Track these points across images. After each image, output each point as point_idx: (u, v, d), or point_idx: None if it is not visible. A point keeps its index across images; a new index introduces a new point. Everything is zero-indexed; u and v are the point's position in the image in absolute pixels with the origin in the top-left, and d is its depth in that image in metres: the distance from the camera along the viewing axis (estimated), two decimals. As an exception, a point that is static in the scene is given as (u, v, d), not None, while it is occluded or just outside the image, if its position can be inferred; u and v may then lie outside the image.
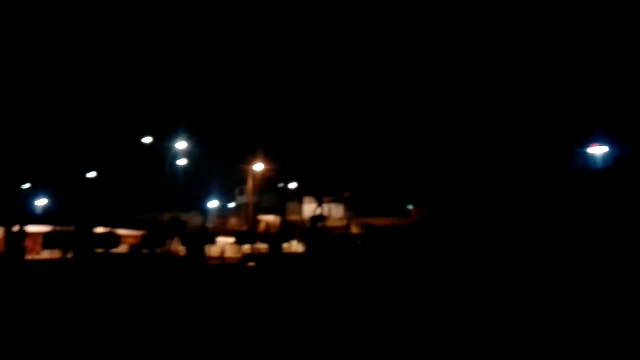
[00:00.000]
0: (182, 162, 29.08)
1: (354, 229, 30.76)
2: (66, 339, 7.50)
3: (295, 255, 28.14)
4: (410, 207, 33.60)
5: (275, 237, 30.35)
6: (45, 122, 24.51)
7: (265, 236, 30.38)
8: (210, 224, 30.96)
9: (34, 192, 24.25)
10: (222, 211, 33.28)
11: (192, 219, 29.56)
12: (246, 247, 29.18)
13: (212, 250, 27.73)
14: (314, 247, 28.08)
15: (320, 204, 32.19)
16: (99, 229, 23.55)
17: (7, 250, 20.75)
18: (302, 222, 32.62)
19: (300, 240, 30.33)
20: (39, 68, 24.66)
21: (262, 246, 29.11)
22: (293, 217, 33.31)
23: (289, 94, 33.57)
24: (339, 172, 33.62)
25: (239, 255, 27.52)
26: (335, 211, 33.53)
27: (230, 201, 33.46)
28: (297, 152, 33.77)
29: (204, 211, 30.15)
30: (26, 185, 24.40)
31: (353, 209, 33.39)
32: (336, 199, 33.79)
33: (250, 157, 31.42)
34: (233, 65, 31.24)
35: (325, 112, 34.13)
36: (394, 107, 34.95)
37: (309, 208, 33.13)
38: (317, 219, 29.78)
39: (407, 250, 24.13)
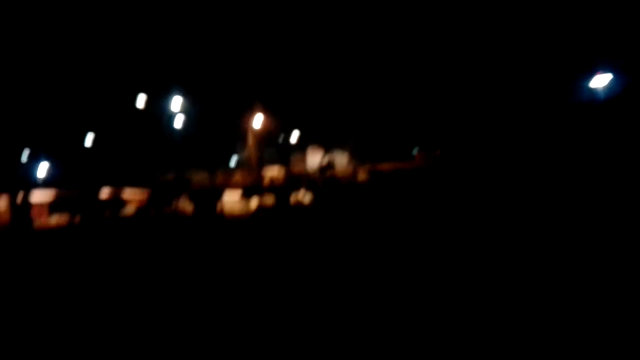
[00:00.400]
0: (181, 119, 28.64)
1: (361, 176, 30.47)
2: (83, 313, 7.42)
3: (303, 206, 28.04)
4: (415, 150, 33.23)
5: (282, 189, 30.16)
6: (40, 84, 23.86)
7: (272, 189, 30.17)
8: (215, 180, 30.72)
9: (35, 158, 23.91)
10: (226, 167, 32.98)
11: (197, 176, 29.32)
12: (253, 202, 29.07)
13: (219, 207, 27.62)
14: (322, 197, 27.95)
15: (326, 152, 31.84)
16: (104, 192, 23.41)
17: (13, 219, 20.68)
18: (308, 172, 32.34)
19: (307, 191, 30.12)
20: (35, 26, 23.83)
21: (269, 199, 28.96)
22: (298, 169, 33.00)
23: (285, 40, 32.55)
24: (342, 118, 33.08)
25: (246, 210, 27.46)
26: (340, 159, 33.18)
27: (233, 156, 33.14)
28: (298, 101, 33.12)
29: (209, 168, 29.87)
30: (26, 151, 24.01)
31: (359, 156, 33.02)
32: (341, 147, 33.39)
33: (250, 109, 30.87)
34: (227, 14, 30.13)
35: (323, 57, 33.15)
36: (395, 49, 33.95)
37: (314, 158, 32.78)
38: (325, 168, 29.49)
39: (413, 196, 23.90)
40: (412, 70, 32.61)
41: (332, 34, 32.84)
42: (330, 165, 30.26)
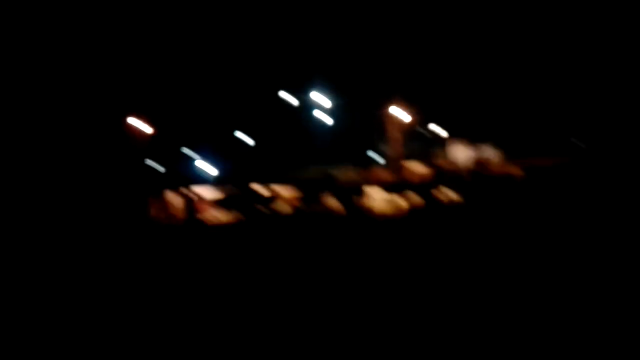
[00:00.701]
0: (323, 114, 28.74)
1: (514, 172, 28.44)
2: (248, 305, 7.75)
3: (451, 204, 26.85)
4: (574, 143, 30.44)
5: (427, 186, 29.11)
6: (202, 86, 25.11)
7: (417, 186, 29.21)
8: (359, 177, 30.38)
9: (199, 157, 25.41)
10: (367, 162, 32.49)
11: (341, 172, 29.19)
12: (397, 199, 28.40)
13: (365, 204, 27.27)
14: (471, 194, 26.52)
15: (473, 146, 30.23)
16: (260, 189, 24.21)
17: (187, 216, 22.18)
18: (453, 168, 30.89)
19: (452, 188, 28.78)
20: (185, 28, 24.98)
21: (412, 196, 28.11)
22: (443, 163, 31.64)
23: (425, 30, 31.28)
24: (490, 109, 31.18)
25: (390, 208, 26.90)
26: (489, 153, 31.29)
27: (374, 151, 32.58)
28: (441, 92, 31.77)
29: (352, 164, 29.67)
30: (187, 150, 25.51)
31: (509, 149, 30.92)
32: (489, 140, 31.49)
33: (392, 101, 30.18)
34: (367, 7, 29.57)
35: (466, 45, 31.45)
36: (542, 36, 31.37)
37: (460, 152, 31.24)
38: (476, 163, 28.02)
39: (574, 193, 21.84)
40: (568, 59, 30.01)
41: (478, 21, 31.11)
42: (481, 160, 28.63)
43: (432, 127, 33.44)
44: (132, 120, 24.12)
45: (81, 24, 23.13)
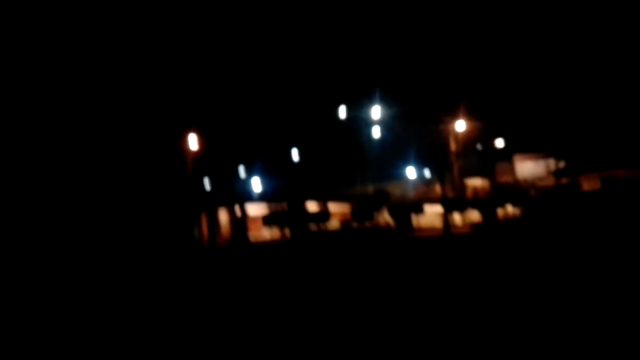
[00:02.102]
0: (379, 130, 28.01)
1: (586, 186, 26.41)
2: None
3: (512, 220, 25.24)
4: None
5: (487, 202, 27.57)
6: (252, 108, 25.13)
7: (475, 202, 27.74)
8: (413, 193, 29.25)
9: (248, 174, 25.31)
10: (425, 178, 31.26)
11: (396, 188, 28.17)
12: (456, 216, 27.06)
13: (421, 221, 26.13)
14: (536, 210, 24.80)
15: (540, 160, 28.51)
16: (311, 206, 23.81)
17: (234, 233, 22.05)
18: (516, 183, 29.22)
19: (516, 204, 27.09)
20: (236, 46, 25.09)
21: (473, 214, 26.67)
22: (504, 179, 29.99)
23: (487, 42, 30.04)
24: (554, 122, 29.39)
25: (448, 225, 25.60)
26: (554, 167, 29.40)
27: (432, 166, 31.30)
28: (504, 105, 30.30)
29: (407, 180, 28.65)
30: (240, 168, 25.46)
31: (576, 162, 28.90)
32: (554, 154, 29.60)
33: (451, 116, 29.00)
34: (425, 18, 28.80)
35: (531, 57, 29.95)
36: (615, 48, 29.41)
37: (522, 167, 29.55)
38: (541, 178, 26.33)
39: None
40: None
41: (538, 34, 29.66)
42: (547, 174, 26.89)
43: (495, 141, 31.91)
44: (185, 138, 24.29)
45: (138, 44, 23.64)
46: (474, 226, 23.82)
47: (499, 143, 31.93)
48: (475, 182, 30.97)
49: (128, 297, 11.69)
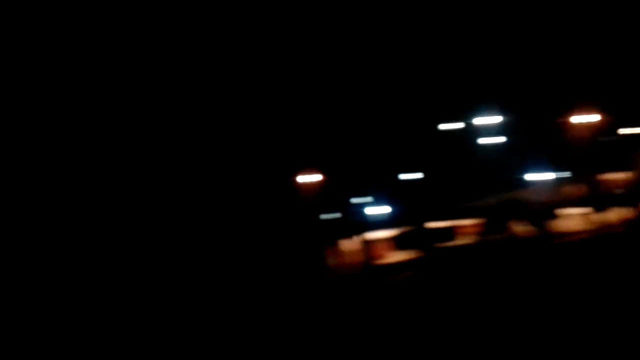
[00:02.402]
0: (498, 137, 26.79)
1: None
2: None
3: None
4: None
5: (631, 197, 25.11)
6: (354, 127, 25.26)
7: (619, 197, 25.36)
8: (545, 197, 27.43)
9: (367, 198, 25.30)
10: (555, 179, 29.25)
11: (525, 195, 26.58)
12: (594, 216, 24.87)
13: (561, 225, 24.32)
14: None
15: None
16: (437, 225, 23.14)
17: (364, 262, 21.98)
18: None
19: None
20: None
21: (618, 211, 24.38)
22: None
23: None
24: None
25: (586, 227, 23.63)
26: None
27: (561, 166, 29.23)
28: (626, 89, 27.84)
29: (535, 184, 26.96)
30: (361, 195, 25.48)
31: None
32: None
33: (570, 109, 27.07)
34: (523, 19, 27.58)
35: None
36: None
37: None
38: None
39: None
40: None
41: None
42: None
43: (623, 130, 29.23)
44: (302, 173, 24.73)
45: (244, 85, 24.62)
46: (627, 223, 21.71)
47: (632, 130, 29.20)
48: (614, 176, 28.42)
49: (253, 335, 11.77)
